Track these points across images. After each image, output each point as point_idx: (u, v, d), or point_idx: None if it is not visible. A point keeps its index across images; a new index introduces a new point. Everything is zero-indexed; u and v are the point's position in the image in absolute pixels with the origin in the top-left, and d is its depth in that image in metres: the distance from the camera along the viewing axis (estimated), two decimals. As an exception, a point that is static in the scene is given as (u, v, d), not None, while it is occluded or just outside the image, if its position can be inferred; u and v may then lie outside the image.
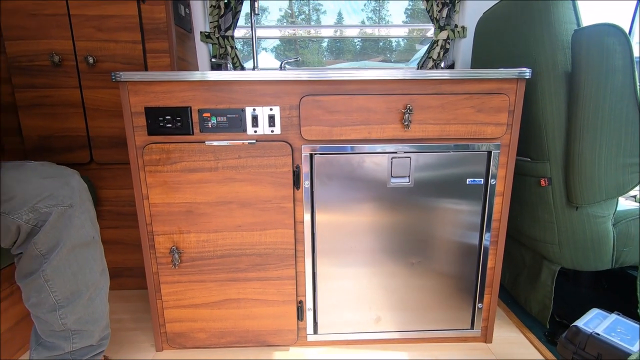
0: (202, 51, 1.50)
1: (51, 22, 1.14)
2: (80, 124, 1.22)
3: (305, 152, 0.92)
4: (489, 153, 0.93)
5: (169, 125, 0.89)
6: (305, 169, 0.93)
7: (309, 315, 1.02)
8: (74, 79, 1.19)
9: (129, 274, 1.35)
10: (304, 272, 0.99)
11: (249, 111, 0.89)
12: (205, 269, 0.97)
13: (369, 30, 1.66)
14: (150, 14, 1.16)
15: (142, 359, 1.00)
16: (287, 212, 0.94)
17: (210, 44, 1.48)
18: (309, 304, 1.02)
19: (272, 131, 0.91)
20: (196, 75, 0.86)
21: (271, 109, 0.90)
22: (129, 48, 1.17)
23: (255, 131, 0.90)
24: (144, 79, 0.86)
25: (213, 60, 1.47)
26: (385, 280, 1.00)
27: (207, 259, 0.96)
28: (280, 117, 0.90)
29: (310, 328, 1.03)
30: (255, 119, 0.90)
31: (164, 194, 0.92)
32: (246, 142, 0.90)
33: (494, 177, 0.94)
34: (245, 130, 0.90)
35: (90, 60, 1.16)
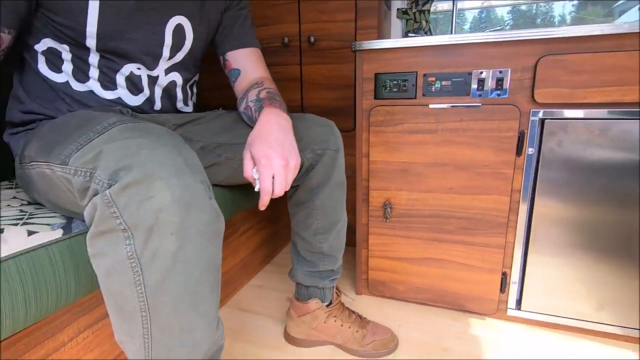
0: (397, 27, 1.57)
1: (285, 10, 1.37)
2: (297, 96, 1.44)
3: (534, 116, 0.87)
4: None
5: (395, 90, 0.97)
6: (531, 134, 0.88)
7: (512, 289, 0.99)
8: (297, 57, 1.40)
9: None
10: (514, 243, 0.96)
11: (475, 74, 0.90)
12: (412, 226, 1.04)
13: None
14: (364, -7, 1.28)
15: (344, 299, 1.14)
16: (505, 178, 0.92)
17: (405, 20, 1.54)
18: (514, 277, 0.98)
19: (499, 95, 0.89)
20: (426, 40, 0.91)
21: (500, 72, 0.88)
22: (343, 27, 1.32)
23: (480, 95, 0.91)
24: (379, 47, 0.96)
25: (410, 35, 1.52)
26: (614, 269, 0.88)
27: (416, 216, 1.03)
28: (510, 80, 0.88)
29: (512, 302, 1.00)
30: (481, 82, 0.90)
31: (384, 153, 1.01)
32: (470, 105, 0.91)
33: None
34: (469, 93, 0.91)
35: (312, 39, 1.35)
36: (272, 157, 0.59)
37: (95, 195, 0.41)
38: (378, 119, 1.00)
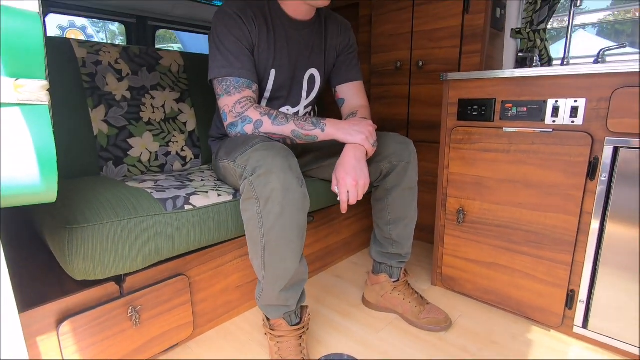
0: (510, 46, 1.62)
1: (401, 40, 1.63)
2: (404, 110, 1.69)
3: (609, 144, 0.92)
4: None
5: (475, 113, 1.14)
6: (604, 161, 0.93)
7: (579, 307, 1.03)
8: (406, 78, 1.65)
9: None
10: (583, 263, 1.00)
11: (550, 103, 0.99)
12: (482, 232, 1.18)
13: None
14: (471, 22, 1.42)
15: (420, 287, 1.36)
16: (573, 200, 0.98)
17: (519, 39, 1.58)
18: (582, 296, 1.02)
19: (573, 122, 0.96)
20: (506, 73, 1.05)
21: (575, 101, 0.95)
22: (448, 52, 1.49)
23: (554, 121, 0.99)
24: (463, 78, 1.14)
25: (520, 54, 1.57)
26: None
27: (486, 224, 1.16)
28: (585, 109, 0.94)
29: (579, 320, 1.04)
30: (555, 110, 0.99)
31: (461, 167, 1.19)
32: (542, 130, 1.01)
33: None
34: (543, 119, 1.01)
35: (420, 64, 1.57)
36: (346, 179, 0.89)
37: (245, 179, 0.81)
38: (458, 137, 1.18)
